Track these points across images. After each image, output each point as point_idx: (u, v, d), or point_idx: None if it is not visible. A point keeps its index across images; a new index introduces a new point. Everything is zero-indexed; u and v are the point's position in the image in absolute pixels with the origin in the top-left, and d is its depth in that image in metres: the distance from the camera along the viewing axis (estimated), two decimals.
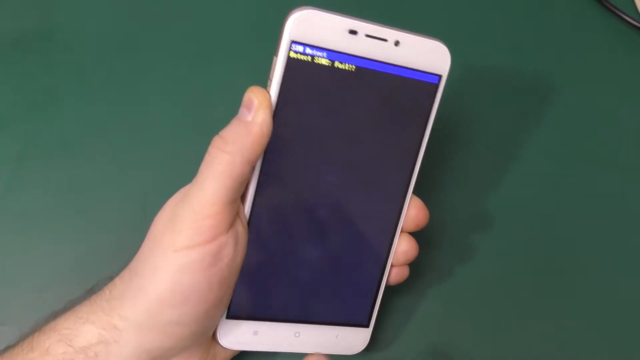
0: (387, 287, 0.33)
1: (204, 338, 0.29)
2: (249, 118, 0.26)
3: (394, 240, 0.32)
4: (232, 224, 0.26)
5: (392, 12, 0.47)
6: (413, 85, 0.29)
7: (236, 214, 0.27)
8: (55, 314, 0.27)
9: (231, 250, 0.26)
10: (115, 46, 0.43)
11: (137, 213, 0.37)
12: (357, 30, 0.27)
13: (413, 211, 0.32)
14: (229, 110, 0.42)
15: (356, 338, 0.33)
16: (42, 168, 0.38)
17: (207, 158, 0.26)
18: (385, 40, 0.27)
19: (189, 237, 0.25)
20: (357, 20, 0.27)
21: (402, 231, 0.32)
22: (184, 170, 0.39)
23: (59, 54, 0.43)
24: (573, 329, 0.37)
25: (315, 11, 0.26)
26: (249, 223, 0.28)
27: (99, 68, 0.42)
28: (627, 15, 0.49)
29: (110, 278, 0.28)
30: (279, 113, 0.27)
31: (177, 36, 0.44)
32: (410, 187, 0.31)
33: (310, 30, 0.26)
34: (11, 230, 0.36)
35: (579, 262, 0.40)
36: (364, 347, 0.33)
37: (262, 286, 0.30)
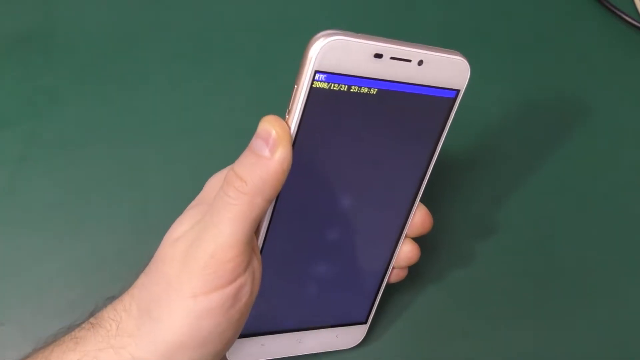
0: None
1: None
2: (267, 153, 0.24)
3: (398, 245, 0.32)
4: (249, 262, 0.26)
5: (392, 14, 0.47)
6: (431, 101, 0.28)
7: (252, 250, 0.26)
8: (55, 337, 0.26)
9: (249, 287, 0.26)
10: (115, 46, 0.43)
11: (138, 213, 0.37)
12: (383, 53, 0.26)
13: (419, 219, 0.32)
14: (229, 110, 0.42)
15: (354, 334, 0.34)
16: (43, 168, 0.38)
17: (225, 198, 0.24)
18: (409, 61, 0.26)
19: (208, 282, 0.24)
20: (382, 42, 0.25)
21: (405, 236, 0.32)
22: (185, 170, 0.40)
23: (59, 53, 0.43)
24: (570, 329, 0.37)
25: (342, 38, 0.24)
26: (261, 251, 0.28)
27: (99, 67, 0.42)
28: (627, 15, 0.49)
29: (112, 297, 0.27)
30: (298, 143, 0.26)
31: (177, 36, 0.44)
32: (418, 196, 0.31)
33: (336, 59, 0.25)
34: (11, 230, 0.36)
35: (577, 263, 0.40)
36: (360, 341, 0.34)
37: (271, 304, 0.30)
